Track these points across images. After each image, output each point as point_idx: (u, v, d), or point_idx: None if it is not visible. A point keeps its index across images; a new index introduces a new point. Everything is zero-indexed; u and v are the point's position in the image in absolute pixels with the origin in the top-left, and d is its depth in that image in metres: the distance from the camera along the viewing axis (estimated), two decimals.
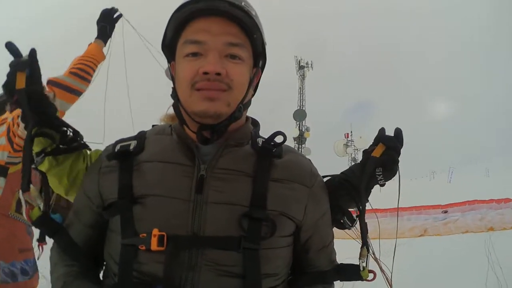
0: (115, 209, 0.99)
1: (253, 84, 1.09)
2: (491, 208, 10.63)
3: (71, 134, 1.10)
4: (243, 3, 0.99)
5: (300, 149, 33.20)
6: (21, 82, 0.92)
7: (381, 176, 1.08)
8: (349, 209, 1.19)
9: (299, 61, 36.33)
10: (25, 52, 0.98)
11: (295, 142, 34.10)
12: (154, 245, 0.90)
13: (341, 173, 1.19)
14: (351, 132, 24.23)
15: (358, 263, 1.11)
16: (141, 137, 1.11)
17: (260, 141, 1.08)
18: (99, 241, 1.06)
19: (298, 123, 33.69)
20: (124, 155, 1.05)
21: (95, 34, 2.38)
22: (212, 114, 0.97)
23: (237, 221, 0.94)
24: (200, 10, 0.98)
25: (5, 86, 0.96)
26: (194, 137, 1.03)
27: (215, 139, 1.01)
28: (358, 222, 1.14)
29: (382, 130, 1.12)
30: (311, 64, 36.51)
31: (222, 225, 0.94)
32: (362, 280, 1.11)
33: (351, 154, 23.54)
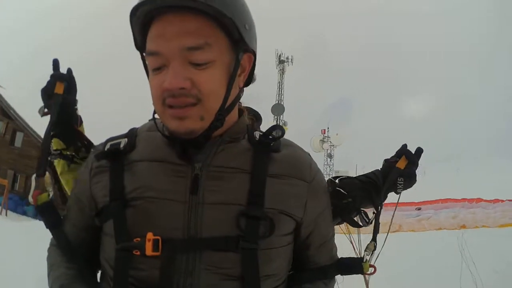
0: (108, 213, 0.93)
1: (240, 77, 0.98)
2: (463, 207, 11.00)
3: (83, 148, 1.14)
4: None
5: None
6: (59, 89, 1.03)
7: (402, 185, 1.16)
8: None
9: (279, 56, 36.51)
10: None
11: None
12: (149, 250, 0.85)
13: (362, 175, 1.22)
14: (328, 128, 24.42)
15: (359, 256, 1.15)
16: (132, 134, 1.04)
17: (257, 134, 1.01)
18: (95, 243, 1.01)
19: (275, 117, 33.95)
20: (114, 154, 0.98)
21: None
22: (184, 132, 0.89)
23: (234, 220, 0.89)
24: (150, 12, 0.87)
25: (44, 90, 1.05)
26: None
27: (197, 148, 0.93)
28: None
29: (405, 146, 1.19)
30: (291, 59, 36.78)
31: (219, 226, 0.89)
32: (363, 273, 1.12)
33: (327, 150, 23.73)
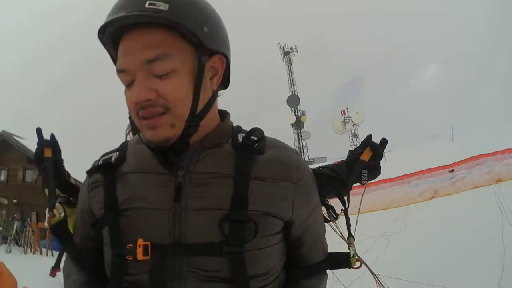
0: (102, 223, 0.98)
1: (213, 80, 0.99)
2: (496, 160, 10.67)
3: (75, 196, 1.24)
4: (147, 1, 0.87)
5: (299, 134, 33.29)
6: (48, 153, 1.17)
7: (366, 177, 1.17)
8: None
9: (283, 47, 36.29)
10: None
11: (293, 127, 34.10)
12: (139, 255, 0.89)
13: (326, 167, 1.23)
14: (347, 109, 24.10)
15: (348, 251, 1.15)
16: (123, 148, 1.09)
17: (240, 137, 1.01)
18: (100, 252, 1.07)
19: (293, 108, 33.71)
20: (106, 168, 1.03)
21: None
22: (158, 141, 0.92)
23: (217, 225, 0.90)
24: (115, 33, 0.92)
25: (35, 156, 1.20)
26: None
27: (176, 154, 0.97)
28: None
29: (370, 136, 1.19)
30: (296, 48, 36.47)
31: (203, 231, 0.91)
32: (350, 267, 1.14)
33: (351, 130, 23.43)
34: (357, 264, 1.16)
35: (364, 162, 1.16)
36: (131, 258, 0.91)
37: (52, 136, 1.21)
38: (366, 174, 1.16)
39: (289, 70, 35.39)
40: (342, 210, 1.20)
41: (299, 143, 34.77)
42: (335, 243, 1.25)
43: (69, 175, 1.31)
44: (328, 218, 1.20)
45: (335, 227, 1.25)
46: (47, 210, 1.16)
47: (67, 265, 1.13)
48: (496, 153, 10.94)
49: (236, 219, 0.91)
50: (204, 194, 0.93)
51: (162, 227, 0.92)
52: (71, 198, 1.26)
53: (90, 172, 1.08)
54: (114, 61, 0.97)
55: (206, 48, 0.94)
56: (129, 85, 0.91)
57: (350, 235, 1.18)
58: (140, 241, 0.90)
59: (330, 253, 1.16)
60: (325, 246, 1.15)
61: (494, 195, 6.36)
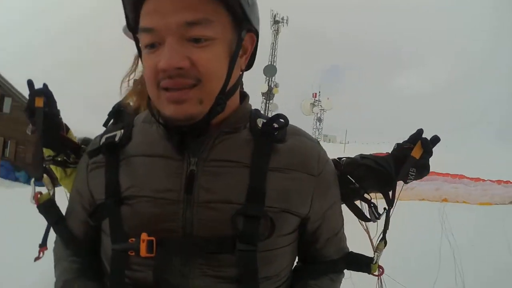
0: (103, 211, 0.90)
1: (240, 60, 0.90)
2: (445, 181, 11.20)
3: (73, 154, 1.14)
4: None
5: (267, 105, 33.40)
6: (39, 103, 1.04)
7: (413, 176, 1.06)
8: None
9: (275, 16, 35.72)
10: None
11: (263, 97, 34.28)
12: (143, 252, 0.82)
13: (368, 157, 1.11)
14: (319, 92, 24.23)
15: (372, 256, 1.07)
16: (128, 125, 0.98)
17: (260, 122, 0.93)
18: (98, 236, 0.98)
19: (267, 78, 33.60)
20: (110, 148, 0.93)
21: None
22: (182, 118, 0.81)
23: (230, 220, 0.82)
24: None
25: (26, 109, 1.06)
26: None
27: (195, 136, 0.86)
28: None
29: (420, 131, 1.07)
30: (287, 20, 36.03)
31: (215, 226, 0.84)
32: (370, 273, 1.06)
33: (317, 113, 23.73)
34: (378, 271, 1.07)
35: (415, 159, 1.05)
36: (133, 253, 0.84)
37: (45, 85, 1.08)
38: (413, 173, 1.05)
39: (274, 40, 35.07)
40: (384, 209, 1.08)
41: (265, 112, 34.33)
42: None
43: (67, 129, 1.19)
44: (369, 217, 1.08)
45: (365, 227, 1.14)
46: (32, 180, 1.01)
47: (57, 248, 1.04)
48: (447, 174, 11.46)
49: (251, 214, 0.83)
50: (217, 185, 0.86)
51: (171, 220, 0.85)
52: (65, 158, 1.14)
53: (91, 154, 0.97)
54: (129, 23, 0.87)
55: (248, 23, 0.86)
56: (151, 47, 0.80)
57: (384, 238, 1.08)
58: (144, 236, 0.83)
59: (351, 252, 1.06)
60: (342, 243, 1.05)
61: (437, 211, 6.64)
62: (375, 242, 1.09)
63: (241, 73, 0.93)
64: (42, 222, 1.04)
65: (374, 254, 1.07)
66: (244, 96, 1.00)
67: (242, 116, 0.94)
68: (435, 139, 1.06)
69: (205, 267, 0.84)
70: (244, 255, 0.83)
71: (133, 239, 0.83)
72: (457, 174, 11.42)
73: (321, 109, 23.86)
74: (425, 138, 1.06)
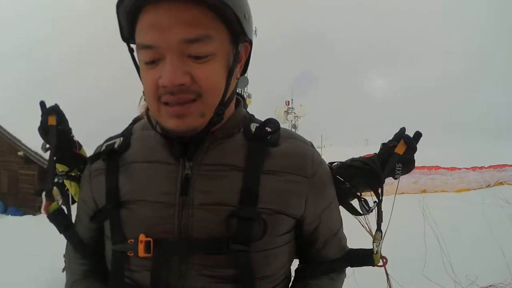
0: (103, 215, 0.93)
1: (236, 69, 0.90)
2: (423, 173, 11.45)
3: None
4: None
5: None
6: (52, 121, 1.07)
7: (400, 171, 1.10)
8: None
9: None
10: None
11: None
12: (141, 252, 0.84)
13: (357, 159, 1.15)
14: (292, 100, 24.31)
15: (371, 247, 1.08)
16: (127, 133, 1.01)
17: (253, 126, 0.95)
18: (103, 241, 1.01)
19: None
20: (109, 155, 0.96)
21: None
22: (183, 131, 0.83)
23: (225, 222, 0.84)
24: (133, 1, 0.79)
25: (40, 128, 1.09)
26: None
27: (196, 145, 0.89)
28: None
29: (403, 129, 1.13)
30: (255, 31, 36.24)
31: (210, 227, 0.85)
32: (374, 265, 1.08)
33: (291, 121, 23.77)
34: (381, 262, 1.09)
35: (399, 155, 1.10)
36: (132, 254, 0.87)
37: (56, 105, 1.11)
38: (400, 168, 1.10)
39: None
40: (375, 202, 1.11)
41: None
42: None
43: (80, 146, 1.20)
44: (360, 212, 1.12)
45: (363, 222, 1.17)
46: (43, 194, 1.06)
47: (68, 253, 1.08)
48: (423, 167, 11.72)
49: (244, 216, 0.85)
50: (212, 188, 0.87)
51: (167, 222, 0.87)
52: (79, 173, 1.16)
53: (91, 159, 1.00)
54: (123, 34, 0.87)
55: (243, 36, 0.87)
56: (151, 63, 0.81)
57: (379, 229, 1.10)
58: (142, 237, 0.85)
59: (350, 249, 1.09)
60: (342, 243, 1.08)
61: (418, 203, 6.79)
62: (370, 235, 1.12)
63: (236, 80, 0.94)
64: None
65: (372, 244, 1.08)
66: (238, 101, 1.00)
67: (236, 121, 0.95)
68: (417, 135, 1.11)
69: (201, 267, 0.85)
70: (239, 255, 0.84)
71: (132, 240, 0.86)
72: (432, 166, 11.68)
73: (295, 116, 23.95)
74: (407, 135, 1.11)
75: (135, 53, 0.87)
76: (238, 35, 0.86)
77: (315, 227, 0.98)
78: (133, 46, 0.87)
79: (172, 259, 0.86)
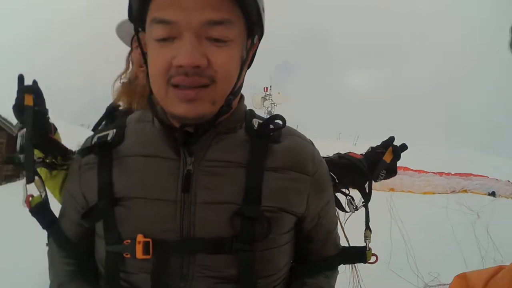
0: (96, 213, 0.87)
1: (247, 63, 0.89)
2: None
3: (60, 155, 1.13)
4: None
5: None
6: (28, 101, 1.01)
7: (383, 177, 1.25)
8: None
9: None
10: None
11: None
12: (139, 253, 0.79)
13: (345, 157, 1.25)
14: (270, 87, 24.34)
15: (364, 245, 1.12)
16: (121, 125, 0.96)
17: (256, 122, 0.93)
18: (92, 238, 0.94)
19: None
20: (102, 148, 0.90)
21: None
22: (193, 117, 0.80)
23: (228, 220, 0.82)
24: None
25: (15, 106, 1.02)
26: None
27: (200, 135, 0.85)
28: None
29: (392, 138, 1.23)
30: None
31: (213, 226, 0.82)
32: (365, 262, 1.10)
33: (268, 107, 23.85)
34: (373, 258, 1.11)
35: (386, 163, 1.21)
36: (128, 255, 0.81)
37: (35, 82, 1.06)
38: (384, 174, 1.23)
39: None
40: (362, 202, 1.21)
41: None
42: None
43: (55, 130, 1.16)
44: (348, 210, 1.12)
45: (339, 221, 1.23)
46: (24, 184, 0.98)
47: (51, 250, 1.00)
48: None
49: (249, 215, 0.82)
50: (215, 185, 0.84)
51: (168, 221, 0.82)
52: (54, 160, 1.12)
53: (82, 153, 0.94)
54: (131, 13, 0.83)
55: (261, 29, 0.88)
56: (163, 40, 0.77)
57: (367, 227, 1.15)
58: (140, 237, 0.80)
59: (344, 247, 1.09)
60: (337, 240, 1.06)
61: (386, 201, 6.94)
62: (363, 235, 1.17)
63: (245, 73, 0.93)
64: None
65: (365, 241, 1.12)
66: (240, 97, 0.98)
67: (240, 116, 0.94)
68: (403, 147, 1.23)
69: (204, 268, 0.82)
70: (242, 255, 0.82)
71: (128, 241, 0.81)
72: (401, 166, 11.96)
73: (272, 103, 23.94)
74: (396, 146, 1.21)
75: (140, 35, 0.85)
76: (254, 27, 0.85)
77: (313, 225, 0.97)
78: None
79: (173, 260, 0.82)
